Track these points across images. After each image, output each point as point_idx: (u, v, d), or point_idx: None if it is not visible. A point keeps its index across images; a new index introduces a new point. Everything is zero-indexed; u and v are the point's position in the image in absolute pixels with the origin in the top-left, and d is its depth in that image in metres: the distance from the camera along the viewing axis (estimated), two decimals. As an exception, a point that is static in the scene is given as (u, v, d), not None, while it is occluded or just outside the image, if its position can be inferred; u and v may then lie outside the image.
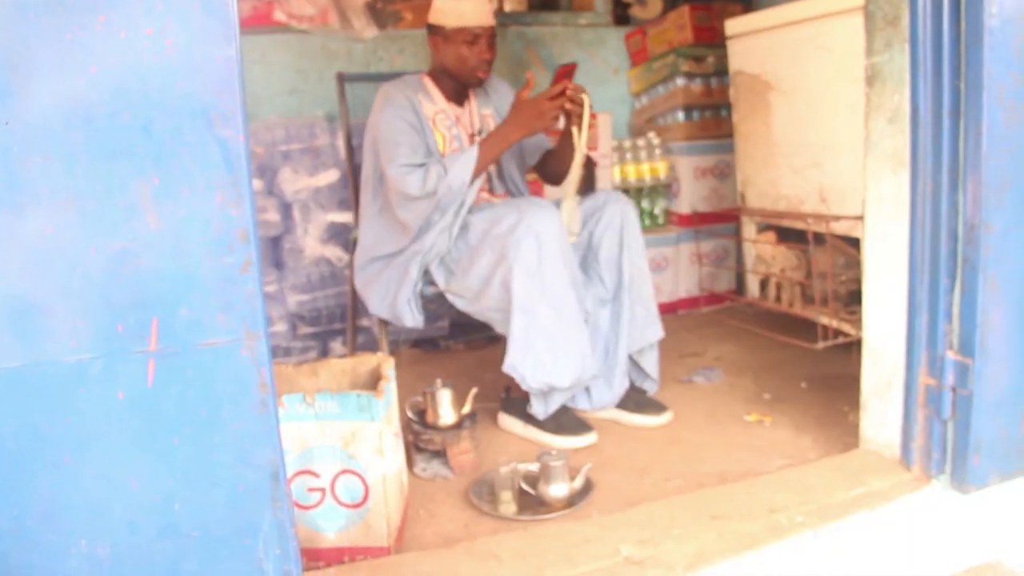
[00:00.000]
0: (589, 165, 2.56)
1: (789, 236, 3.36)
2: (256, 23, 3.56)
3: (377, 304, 2.68)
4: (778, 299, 3.38)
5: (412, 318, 2.64)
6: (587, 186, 2.56)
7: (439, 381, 2.50)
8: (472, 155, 2.52)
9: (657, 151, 4.04)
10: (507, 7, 4.31)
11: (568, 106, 2.50)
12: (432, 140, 2.67)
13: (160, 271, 1.34)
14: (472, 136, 2.80)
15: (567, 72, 2.56)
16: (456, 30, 2.63)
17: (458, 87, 2.78)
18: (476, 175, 2.55)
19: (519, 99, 2.54)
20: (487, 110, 2.87)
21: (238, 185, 1.34)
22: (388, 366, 2.09)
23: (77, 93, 1.27)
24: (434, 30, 2.69)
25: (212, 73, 1.30)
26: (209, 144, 1.31)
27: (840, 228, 2.95)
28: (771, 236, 3.37)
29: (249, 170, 1.35)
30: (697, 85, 4.05)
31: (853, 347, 2.57)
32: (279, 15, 3.59)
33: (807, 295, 3.26)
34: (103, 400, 1.34)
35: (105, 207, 1.30)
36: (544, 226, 2.40)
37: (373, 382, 2.17)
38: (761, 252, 3.43)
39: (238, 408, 1.38)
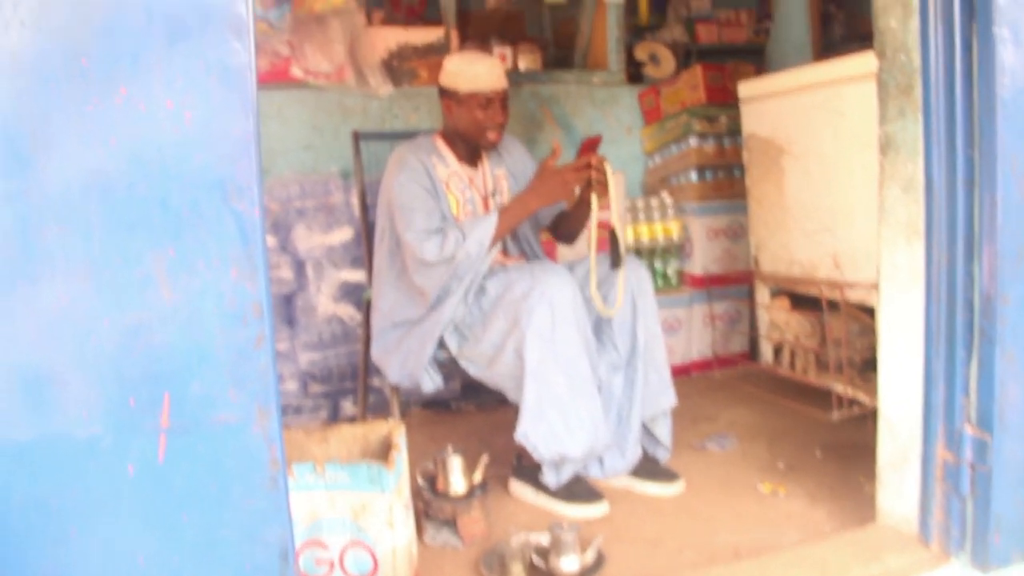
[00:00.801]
0: (615, 238, 2.56)
1: (803, 301, 3.34)
2: (273, 79, 3.59)
3: (396, 373, 2.66)
4: (792, 366, 3.35)
5: (432, 382, 2.62)
6: (616, 259, 2.56)
7: (450, 448, 2.47)
8: (492, 222, 2.52)
9: (670, 211, 4.04)
10: (521, 66, 4.34)
11: (593, 175, 2.51)
12: (446, 203, 2.67)
13: (173, 345, 1.33)
14: (486, 198, 2.79)
15: (592, 145, 2.57)
16: (469, 94, 2.64)
17: (471, 148, 2.78)
18: (495, 242, 2.55)
19: (544, 168, 2.55)
20: (500, 170, 2.87)
21: (253, 259, 1.33)
22: (399, 434, 2.07)
23: (96, 164, 1.27)
24: (446, 93, 2.69)
25: (229, 146, 1.30)
26: (225, 217, 1.31)
27: (854, 295, 2.93)
28: (785, 302, 3.35)
29: (264, 244, 1.34)
30: (710, 145, 4.06)
31: (868, 415, 2.53)
32: (296, 71, 3.62)
33: (821, 362, 3.23)
34: (113, 475, 1.33)
35: (120, 279, 1.30)
36: (558, 293, 2.39)
37: (384, 450, 2.15)
38: (775, 318, 3.41)
39: (248, 485, 1.37)
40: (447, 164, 2.75)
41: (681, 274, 4.14)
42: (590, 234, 2.57)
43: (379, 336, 2.74)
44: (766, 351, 3.54)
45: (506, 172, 2.89)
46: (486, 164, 2.83)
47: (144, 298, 1.31)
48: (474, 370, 2.58)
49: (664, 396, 2.73)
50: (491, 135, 2.69)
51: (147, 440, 1.34)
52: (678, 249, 4.11)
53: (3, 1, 1.19)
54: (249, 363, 1.35)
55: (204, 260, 1.32)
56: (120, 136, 1.26)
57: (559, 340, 2.39)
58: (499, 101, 2.67)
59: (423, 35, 3.87)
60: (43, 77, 1.23)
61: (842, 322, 2.99)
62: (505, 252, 2.84)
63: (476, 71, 2.63)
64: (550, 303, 2.38)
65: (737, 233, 4.06)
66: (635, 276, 2.66)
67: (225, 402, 1.36)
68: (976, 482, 1.97)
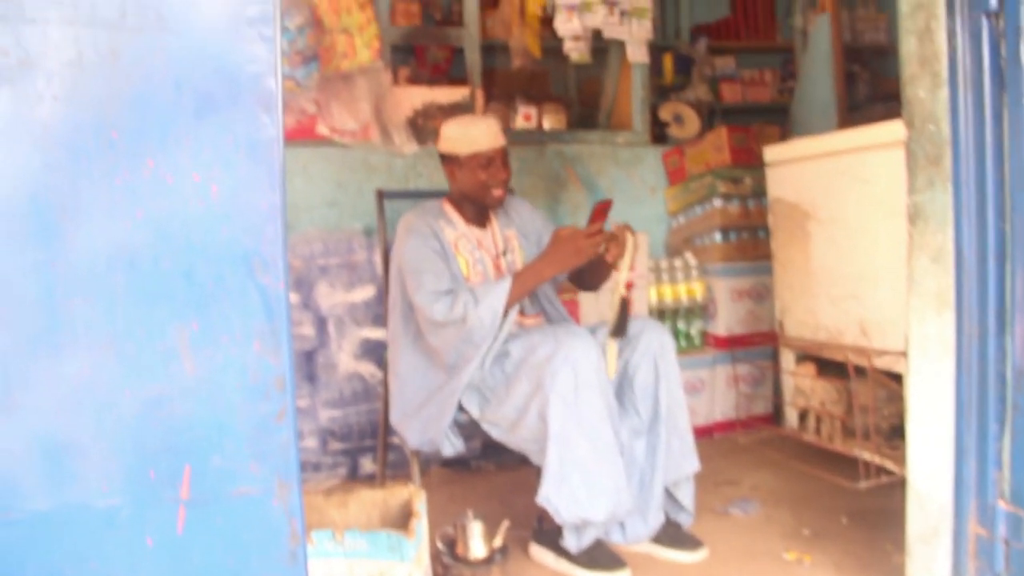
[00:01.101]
0: (625, 308, 2.54)
1: (829, 367, 3.30)
2: (299, 136, 3.62)
3: (416, 438, 2.65)
4: (818, 432, 3.31)
5: (452, 447, 2.61)
6: (618, 329, 2.54)
7: (470, 512, 2.44)
8: (504, 287, 2.52)
9: (694, 272, 4.02)
10: (546, 125, 4.37)
11: (608, 245, 2.52)
12: (456, 265, 2.68)
13: (195, 417, 1.32)
14: (497, 257, 2.80)
15: (604, 209, 2.57)
16: (470, 156, 2.68)
17: (478, 210, 2.80)
18: (509, 308, 2.54)
19: (557, 235, 2.55)
20: (510, 231, 2.89)
21: (277, 333, 1.33)
22: (419, 501, 2.04)
23: (122, 237, 1.27)
24: (448, 159, 2.73)
25: (256, 220, 1.30)
26: (249, 291, 1.31)
27: (882, 363, 2.90)
28: (810, 368, 3.32)
29: (288, 318, 1.34)
30: (734, 206, 4.05)
31: (896, 483, 2.48)
32: (322, 129, 3.65)
33: (848, 429, 3.18)
34: (131, 546, 1.31)
35: (143, 351, 1.29)
36: (581, 356, 2.38)
37: (404, 517, 2.12)
38: (800, 385, 3.37)
39: (267, 559, 1.35)
40: (455, 227, 2.77)
41: (705, 335, 4.11)
42: (612, 299, 2.55)
43: (397, 400, 2.73)
44: (791, 416, 3.50)
45: (516, 232, 2.91)
46: (495, 225, 2.85)
47: (166, 370, 1.30)
48: (496, 433, 2.56)
49: (687, 461, 2.69)
50: (496, 192, 2.72)
51: (166, 512, 1.33)
52: (702, 310, 4.08)
53: (37, 75, 1.20)
54: (271, 436, 1.34)
55: (228, 334, 1.31)
56: (147, 209, 1.27)
57: (582, 404, 2.38)
58: (499, 159, 2.71)
59: (449, 94, 3.90)
60: (73, 150, 1.24)
61: (869, 389, 2.95)
62: (522, 312, 2.82)
63: (473, 133, 2.67)
64: (573, 367, 2.37)
65: (761, 294, 4.03)
66: (657, 341, 2.64)
67: (246, 475, 1.34)
68: (1011, 559, 1.92)
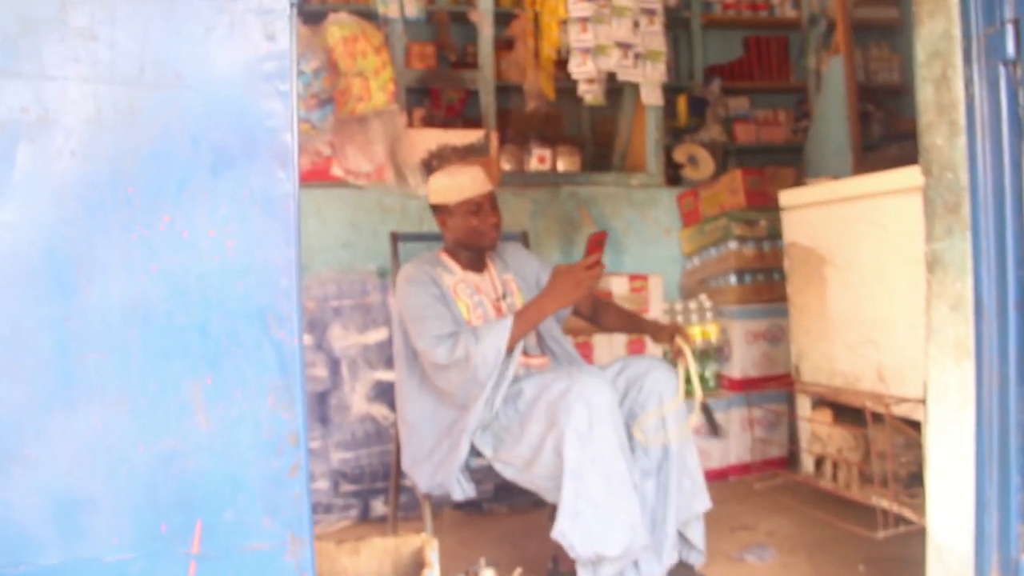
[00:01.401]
0: (708, 410, 2.58)
1: (846, 413, 3.26)
2: (314, 177, 3.64)
3: (426, 483, 2.64)
4: (834, 479, 3.27)
5: (462, 491, 2.60)
6: (715, 427, 2.59)
7: (483, 560, 2.41)
8: (506, 324, 2.53)
9: (709, 314, 4.00)
10: (560, 167, 4.38)
11: (678, 342, 2.63)
12: (456, 310, 2.70)
13: (207, 472, 1.31)
14: (497, 300, 2.82)
15: (599, 240, 2.60)
16: (459, 204, 2.72)
17: (474, 256, 2.84)
18: (512, 345, 2.55)
19: (556, 271, 2.58)
20: (507, 275, 2.91)
21: (291, 388, 1.32)
22: (432, 550, 2.02)
23: (137, 292, 1.27)
24: (439, 209, 2.78)
25: (271, 275, 1.30)
26: (264, 346, 1.31)
27: (900, 410, 2.87)
28: (827, 414, 3.29)
29: (302, 373, 1.33)
30: (750, 249, 4.04)
31: (915, 531, 2.44)
32: (337, 170, 3.67)
33: (865, 476, 3.14)
34: (140, 603, 1.30)
35: (156, 405, 1.29)
36: (594, 393, 2.38)
37: (416, 566, 2.09)
38: (817, 431, 3.34)
39: (277, 616, 1.33)
40: (453, 273, 2.80)
41: (719, 377, 4.08)
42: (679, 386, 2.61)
43: (408, 446, 2.73)
44: (807, 462, 3.46)
45: (513, 276, 2.93)
46: (492, 270, 2.88)
47: (180, 425, 1.30)
48: (510, 473, 2.55)
49: (697, 499, 2.67)
50: (490, 234, 2.75)
51: (178, 566, 1.31)
52: (717, 352, 4.06)
53: (56, 132, 1.20)
54: (283, 492, 1.33)
55: (241, 388, 1.31)
56: (162, 264, 1.27)
57: (596, 439, 2.37)
58: (488, 203, 2.75)
59: (463, 136, 3.92)
60: (90, 205, 1.24)
61: (887, 436, 2.92)
62: (526, 353, 2.81)
63: (460, 181, 2.72)
64: (587, 403, 2.37)
65: (776, 336, 4.01)
66: (663, 380, 2.63)
67: (258, 530, 1.33)
68: (1034, 618, 1.88)
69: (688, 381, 2.64)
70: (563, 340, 2.94)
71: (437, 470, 2.61)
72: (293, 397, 1.34)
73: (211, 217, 1.27)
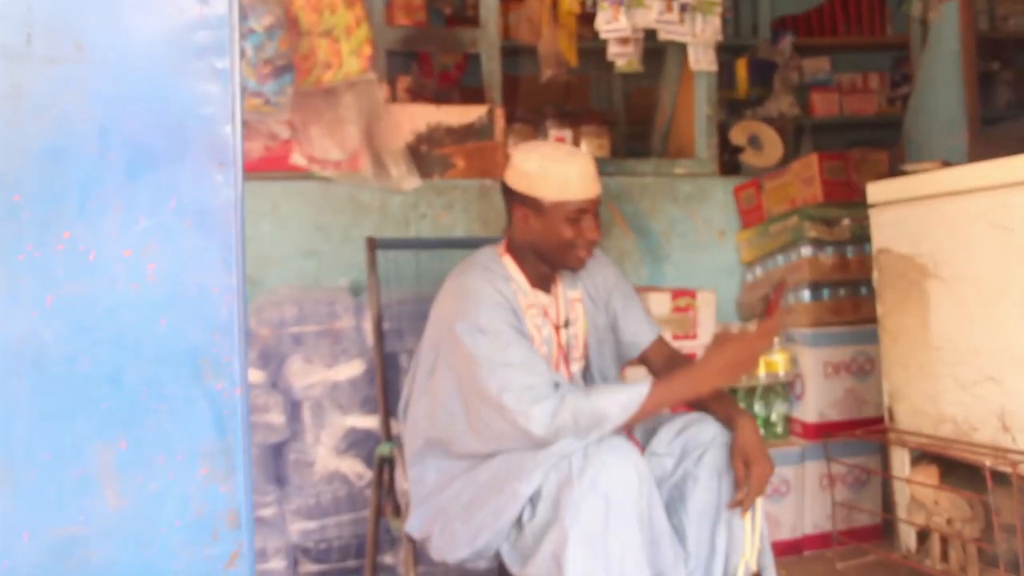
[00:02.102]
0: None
1: (957, 471, 3.23)
2: (268, 167, 3.62)
3: (465, 549, 2.51)
4: (945, 558, 3.23)
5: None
6: None
7: None
8: (638, 397, 2.44)
9: (775, 340, 3.97)
10: (584, 151, 4.35)
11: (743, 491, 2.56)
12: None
13: (118, 565, 1.29)
14: (558, 329, 2.74)
15: (779, 294, 2.58)
16: (556, 204, 2.57)
17: (546, 269, 2.72)
18: (635, 421, 2.49)
19: (724, 338, 2.53)
20: (575, 292, 2.81)
21: (230, 453, 1.30)
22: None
23: (26, 330, 1.25)
24: (522, 200, 2.62)
25: (205, 308, 1.28)
26: (195, 400, 1.29)
27: (1031, 469, 2.84)
28: (932, 472, 3.25)
29: (247, 432, 1.30)
30: (828, 255, 4.02)
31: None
32: (297, 158, 3.65)
33: (987, 557, 3.11)
34: None
35: (49, 480, 1.27)
36: (616, 478, 2.29)
37: None
38: (919, 494, 3.30)
39: None
40: (523, 291, 2.69)
41: (789, 421, 4.06)
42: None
43: (424, 504, 2.64)
44: (906, 536, 3.43)
45: (583, 293, 2.83)
46: (559, 286, 2.77)
47: (81, 505, 1.27)
48: (511, 563, 2.49)
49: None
50: (582, 254, 2.63)
51: None
52: (785, 389, 4.03)
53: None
54: (220, 590, 1.30)
55: (165, 455, 1.29)
56: (60, 294, 1.25)
57: (612, 543, 2.27)
58: (593, 212, 2.62)
59: (460, 114, 3.90)
60: (-36, 216, 1.22)
61: (1015, 503, 2.88)
62: None
63: (566, 174, 2.57)
64: (605, 494, 2.27)
65: (864, 369, 3.98)
66: (720, 441, 2.60)
67: (186, 643, 1.30)
68: None
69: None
70: (615, 381, 2.89)
71: (480, 530, 2.48)
72: (233, 464, 1.32)
73: (126, 233, 1.25)
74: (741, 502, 2.55)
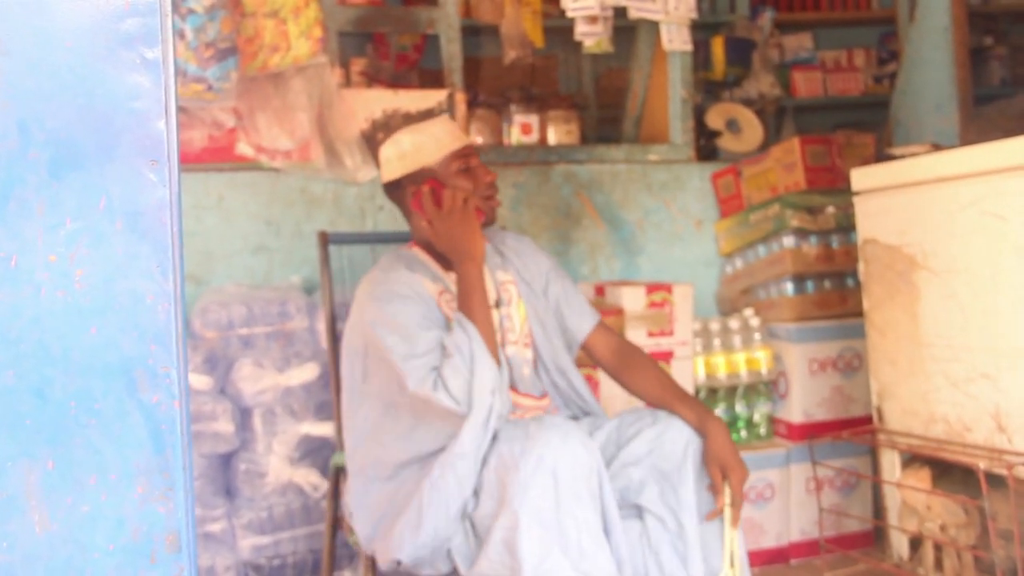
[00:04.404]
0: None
1: (951, 474, 3.25)
2: (212, 158, 3.62)
3: (411, 549, 2.48)
4: (939, 567, 3.25)
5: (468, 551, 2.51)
6: None
7: None
8: (462, 320, 2.54)
9: (757, 335, 4.00)
10: (552, 138, 4.37)
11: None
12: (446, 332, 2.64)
13: (46, 596, 1.27)
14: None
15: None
16: (442, 162, 2.72)
17: None
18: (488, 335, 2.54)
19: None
20: (506, 274, 2.87)
21: (169, 469, 1.29)
22: None
23: (-59, 341, 1.24)
24: (412, 180, 2.74)
25: (139, 315, 1.27)
26: (130, 414, 1.28)
27: (1028, 471, 2.86)
28: (924, 476, 3.27)
29: (187, 448, 1.29)
30: (811, 246, 4.04)
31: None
32: (243, 148, 3.64)
33: (983, 564, 3.13)
34: None
35: (-32, 504, 1.25)
36: (564, 456, 2.30)
37: None
38: (910, 499, 3.32)
39: None
40: (435, 277, 2.76)
41: (773, 422, 4.08)
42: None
43: (366, 510, 2.63)
44: (898, 543, 3.44)
45: (515, 275, 2.89)
46: (484, 269, 2.80)
47: (5, 530, 1.26)
48: (460, 561, 2.48)
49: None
50: (492, 203, 2.78)
51: None
52: (768, 387, 4.05)
53: None
54: (158, 619, 1.29)
55: (97, 475, 1.27)
56: (-21, 302, 1.23)
57: (567, 523, 2.28)
58: (476, 157, 2.77)
59: (419, 99, 3.90)
60: None
61: (1012, 507, 2.90)
62: (515, 389, 2.76)
63: (435, 132, 2.75)
64: (552, 471, 2.28)
65: (852, 365, 4.01)
66: (681, 442, 2.61)
67: (123, 676, 1.29)
68: None
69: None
70: (573, 373, 2.90)
71: (422, 522, 2.45)
72: (172, 482, 1.30)
73: (50, 237, 1.23)
74: (720, 512, 2.57)
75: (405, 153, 2.72)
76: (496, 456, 2.40)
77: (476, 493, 2.44)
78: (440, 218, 2.62)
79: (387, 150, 2.76)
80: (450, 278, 2.76)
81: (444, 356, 2.49)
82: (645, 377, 2.86)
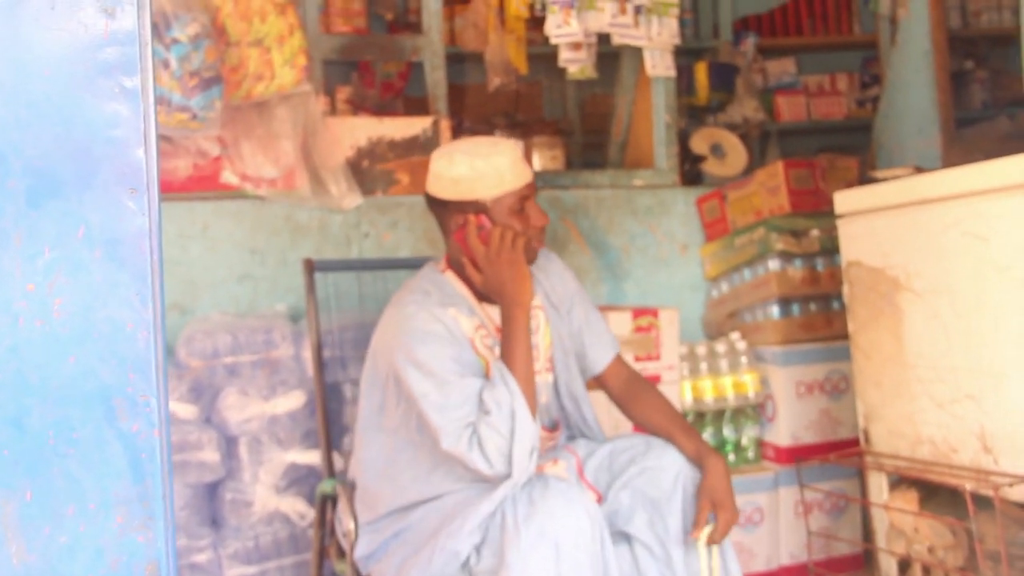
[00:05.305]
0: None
1: (938, 496, 3.24)
2: (197, 187, 3.61)
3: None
4: (927, 589, 3.25)
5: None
6: None
7: None
8: (504, 372, 2.47)
9: (743, 359, 4.00)
10: (537, 164, 4.38)
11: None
12: (479, 371, 2.58)
13: (24, 629, 1.26)
14: None
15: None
16: (497, 200, 2.59)
17: None
18: (530, 393, 2.49)
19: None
20: (535, 299, 2.79)
21: (149, 499, 1.28)
22: None
23: (-84, 371, 1.23)
24: (459, 207, 2.62)
25: (119, 346, 1.27)
26: (108, 443, 1.27)
27: (1016, 493, 2.86)
28: (911, 498, 3.27)
29: (167, 477, 1.29)
30: (797, 269, 4.04)
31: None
32: (229, 176, 3.64)
33: (970, 586, 3.13)
34: None
35: (-53, 535, 1.24)
36: (566, 527, 2.28)
37: None
38: (898, 521, 3.32)
39: None
40: (469, 311, 2.67)
41: (761, 445, 4.08)
42: None
43: (370, 524, 2.65)
44: (887, 566, 3.43)
45: (543, 299, 2.83)
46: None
47: (-20, 564, 1.25)
48: None
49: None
50: (535, 244, 2.68)
51: None
52: (756, 411, 4.05)
53: None
54: (138, 653, 1.28)
55: (75, 504, 1.27)
56: (-46, 332, 1.22)
57: None
58: (532, 197, 2.66)
59: (404, 127, 3.90)
60: None
61: (999, 528, 2.90)
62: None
63: (499, 167, 2.59)
64: (554, 543, 2.26)
65: (839, 388, 4.01)
66: (671, 473, 2.61)
67: None
68: None
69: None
70: (584, 401, 2.88)
71: (430, 563, 2.45)
72: (152, 511, 1.30)
73: (29, 266, 1.23)
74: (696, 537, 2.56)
75: (460, 179, 2.59)
76: (499, 515, 2.38)
77: (478, 546, 2.42)
78: (487, 258, 2.53)
79: (441, 165, 2.63)
80: (484, 311, 2.70)
81: (482, 411, 2.43)
82: (652, 408, 2.83)
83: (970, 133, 4.43)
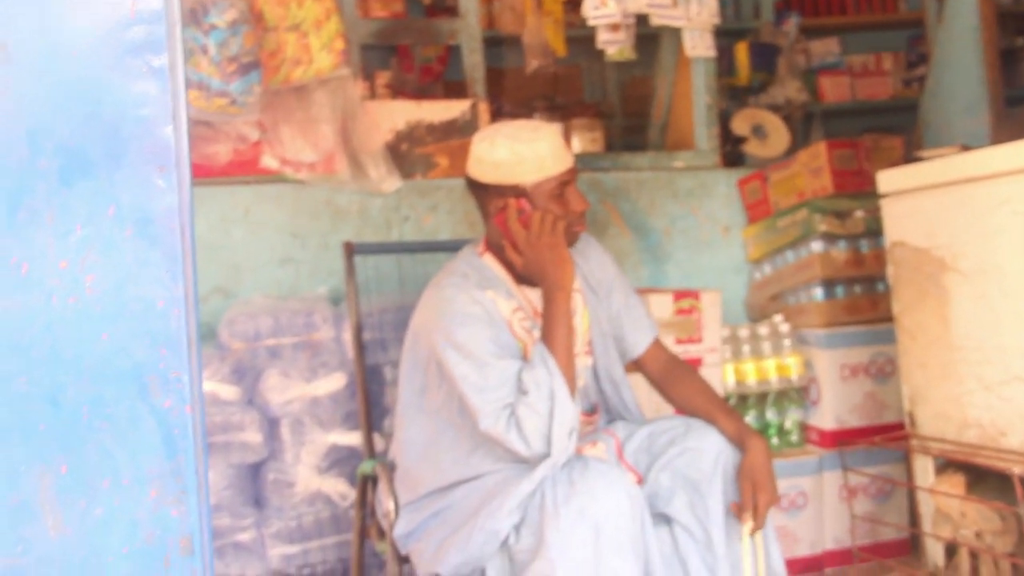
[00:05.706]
0: None
1: (987, 481, 3.21)
2: (238, 171, 3.63)
3: (454, 565, 2.48)
4: (975, 574, 3.21)
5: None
6: None
7: None
8: (546, 355, 2.47)
9: (787, 342, 3.97)
10: (576, 146, 4.37)
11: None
12: (517, 352, 2.58)
13: (61, 600, 1.28)
14: None
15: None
16: (537, 185, 2.58)
17: None
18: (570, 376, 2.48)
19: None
20: (574, 283, 2.74)
21: (182, 474, 1.30)
22: None
23: (-43, 349, 1.25)
24: (499, 191, 2.62)
25: (150, 321, 1.28)
26: (142, 418, 1.28)
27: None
28: (958, 482, 3.23)
29: (201, 453, 1.30)
30: (841, 251, 4.01)
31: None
32: (269, 161, 3.65)
33: (1021, 572, 3.09)
34: None
35: (-16, 508, 1.27)
36: (607, 508, 2.28)
37: None
38: (944, 506, 3.29)
39: None
40: (508, 294, 2.68)
41: (804, 428, 4.05)
42: None
43: (410, 504, 2.67)
44: (933, 551, 3.41)
45: (582, 283, 2.83)
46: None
47: (20, 534, 1.27)
48: None
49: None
50: (576, 228, 2.67)
51: None
52: (799, 394, 4.02)
53: None
54: (173, 624, 1.30)
55: (110, 479, 1.29)
56: (-10, 308, 1.24)
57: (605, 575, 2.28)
58: (573, 182, 2.65)
59: (442, 110, 3.90)
60: None
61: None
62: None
63: (539, 152, 2.58)
64: (594, 524, 2.26)
65: (884, 371, 3.97)
66: (712, 454, 2.60)
67: None
68: None
69: None
70: (624, 385, 2.88)
71: (469, 541, 2.46)
72: (185, 486, 1.31)
73: (61, 244, 1.25)
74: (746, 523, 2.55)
75: (501, 163, 2.59)
76: (539, 495, 2.38)
77: (517, 526, 2.42)
78: (527, 242, 2.53)
79: (482, 149, 2.63)
80: (522, 293, 2.70)
81: (520, 392, 2.44)
82: (692, 390, 2.82)
83: (1020, 111, 4.37)
